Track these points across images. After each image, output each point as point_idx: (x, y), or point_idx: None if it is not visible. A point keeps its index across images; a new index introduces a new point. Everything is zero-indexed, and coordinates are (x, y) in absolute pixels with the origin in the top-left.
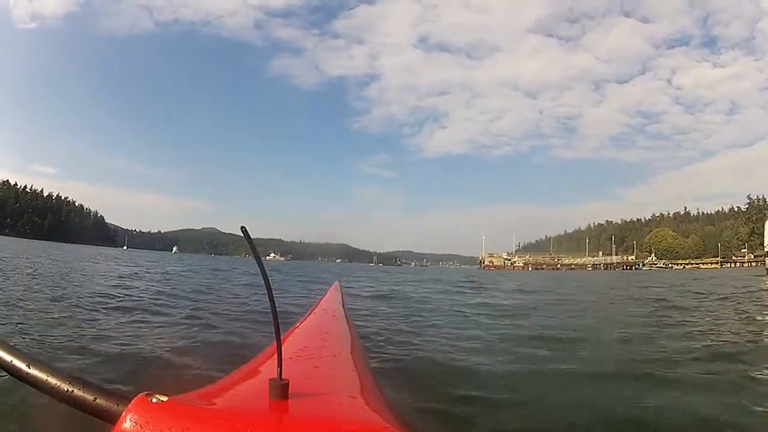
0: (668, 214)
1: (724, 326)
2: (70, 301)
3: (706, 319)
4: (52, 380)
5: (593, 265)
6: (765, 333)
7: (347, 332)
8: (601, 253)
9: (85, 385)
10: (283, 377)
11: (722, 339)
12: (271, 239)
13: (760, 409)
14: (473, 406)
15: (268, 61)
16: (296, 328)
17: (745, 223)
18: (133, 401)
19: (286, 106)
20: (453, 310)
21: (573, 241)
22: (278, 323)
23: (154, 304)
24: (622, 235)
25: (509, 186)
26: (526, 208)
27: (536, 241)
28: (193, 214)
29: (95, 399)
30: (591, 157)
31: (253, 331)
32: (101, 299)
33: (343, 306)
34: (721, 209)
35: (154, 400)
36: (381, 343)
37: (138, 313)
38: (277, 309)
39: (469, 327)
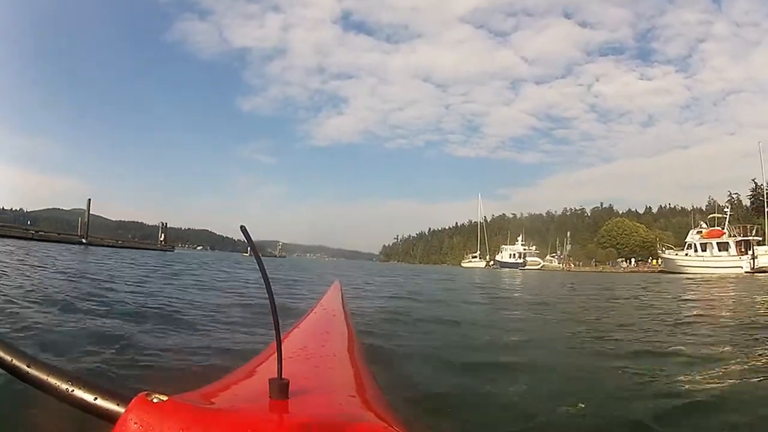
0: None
1: None
2: None
3: None
4: (53, 380)
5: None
6: None
7: (347, 332)
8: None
9: (85, 384)
10: (283, 377)
11: None
12: (133, 222)
13: None
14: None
15: (171, 23)
16: (296, 327)
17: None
18: (133, 401)
19: (175, 74)
20: None
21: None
22: (278, 323)
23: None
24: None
25: (394, 180)
26: (406, 204)
27: (417, 233)
28: (64, 193)
29: (96, 398)
30: (486, 157)
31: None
32: None
33: (343, 305)
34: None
35: (154, 400)
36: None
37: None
38: (277, 308)
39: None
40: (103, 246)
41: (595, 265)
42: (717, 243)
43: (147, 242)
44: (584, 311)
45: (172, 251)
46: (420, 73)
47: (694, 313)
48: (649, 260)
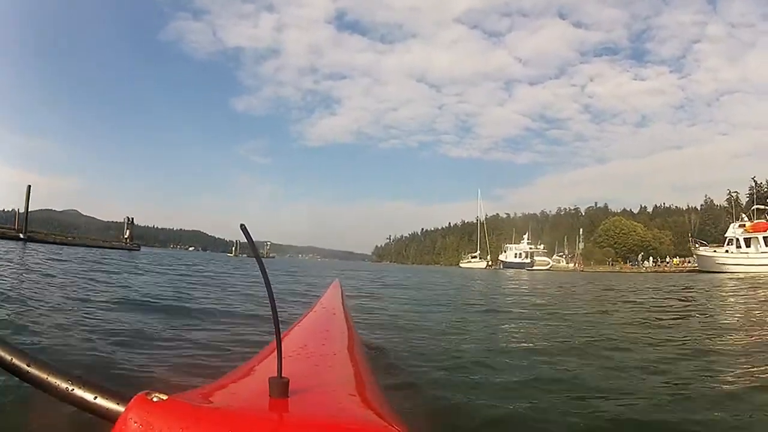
0: (574, 209)
1: None
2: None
3: None
4: (53, 379)
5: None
6: None
7: (347, 330)
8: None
9: (85, 383)
10: (283, 376)
11: None
12: (123, 222)
13: None
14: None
15: (166, 22)
16: (296, 326)
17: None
18: (133, 400)
19: (170, 74)
20: None
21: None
22: (278, 321)
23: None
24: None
25: (389, 181)
26: (401, 205)
27: (410, 233)
28: (58, 193)
29: (95, 398)
30: (479, 157)
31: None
32: None
33: (343, 304)
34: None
35: (154, 399)
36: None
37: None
38: (277, 307)
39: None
40: (46, 242)
41: (612, 265)
42: (763, 237)
43: (98, 239)
44: None
45: (138, 250)
46: (414, 74)
47: None
48: (667, 259)
